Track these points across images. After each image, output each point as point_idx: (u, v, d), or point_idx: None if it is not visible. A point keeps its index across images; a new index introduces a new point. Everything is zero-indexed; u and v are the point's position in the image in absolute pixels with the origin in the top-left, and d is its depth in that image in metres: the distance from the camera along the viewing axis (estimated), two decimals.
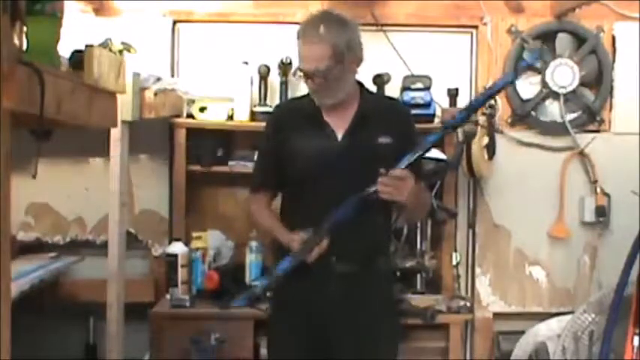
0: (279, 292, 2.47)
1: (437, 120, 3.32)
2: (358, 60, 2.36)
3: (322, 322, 2.31)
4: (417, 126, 3.15)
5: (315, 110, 2.36)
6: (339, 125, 2.35)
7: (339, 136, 2.35)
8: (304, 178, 2.36)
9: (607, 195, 3.45)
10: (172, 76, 3.33)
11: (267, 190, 2.47)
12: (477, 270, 3.47)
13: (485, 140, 3.26)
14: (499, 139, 3.34)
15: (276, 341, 2.46)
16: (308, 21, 2.30)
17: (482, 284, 3.48)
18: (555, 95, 3.44)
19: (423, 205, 2.53)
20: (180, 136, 3.25)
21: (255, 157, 2.62)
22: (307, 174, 2.35)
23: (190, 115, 3.27)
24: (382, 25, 3.40)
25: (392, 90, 3.32)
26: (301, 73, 2.36)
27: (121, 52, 2.56)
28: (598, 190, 3.45)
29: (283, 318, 2.41)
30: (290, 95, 3.28)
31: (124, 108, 2.59)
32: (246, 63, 3.29)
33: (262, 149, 2.54)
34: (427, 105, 3.28)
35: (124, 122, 2.64)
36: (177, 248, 3.11)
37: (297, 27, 2.31)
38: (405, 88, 3.28)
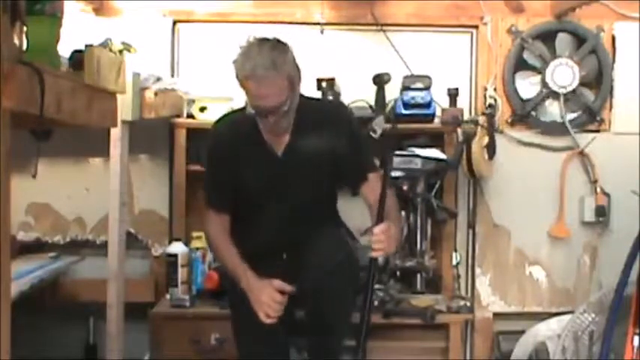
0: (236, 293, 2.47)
1: (437, 120, 3.32)
2: (301, 78, 2.30)
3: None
4: (417, 126, 3.24)
5: (253, 129, 2.34)
6: (279, 141, 2.34)
7: (279, 153, 2.34)
8: (252, 199, 2.37)
9: (607, 195, 3.45)
10: (172, 76, 3.33)
11: (226, 210, 2.46)
12: (477, 270, 3.47)
13: (486, 140, 3.26)
14: (499, 139, 3.33)
15: (241, 331, 2.48)
16: (250, 56, 2.19)
17: (482, 284, 3.48)
18: (555, 95, 3.43)
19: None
20: (181, 136, 3.25)
21: (205, 174, 2.57)
22: (254, 194, 2.36)
23: (190, 115, 3.27)
24: (382, 25, 3.39)
25: (392, 90, 3.32)
26: (253, 111, 2.27)
27: (121, 52, 2.56)
28: (598, 190, 3.44)
29: (243, 314, 2.41)
30: None
31: (124, 108, 2.59)
32: None
33: (211, 171, 2.50)
34: (427, 105, 3.27)
35: (124, 122, 2.64)
36: (177, 248, 3.10)
37: (237, 64, 2.21)
38: (405, 88, 3.28)
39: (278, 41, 2.25)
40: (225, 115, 2.60)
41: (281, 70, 2.18)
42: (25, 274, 2.79)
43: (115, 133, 2.65)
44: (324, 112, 2.46)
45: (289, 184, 2.35)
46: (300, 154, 2.33)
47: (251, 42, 2.24)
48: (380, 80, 3.30)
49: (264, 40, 2.25)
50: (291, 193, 2.35)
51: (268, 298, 2.27)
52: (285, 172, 2.35)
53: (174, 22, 3.39)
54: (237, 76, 2.24)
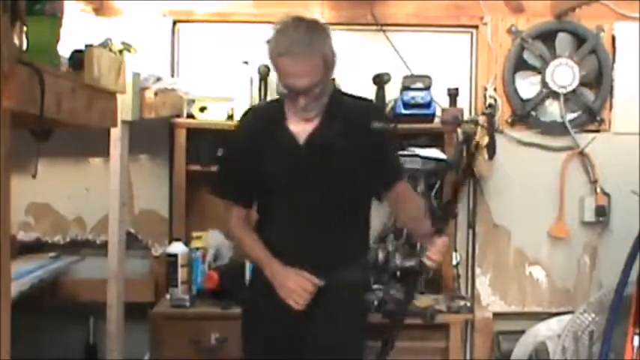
0: (252, 303, 2.46)
1: (437, 120, 3.32)
2: (336, 62, 2.26)
3: (292, 332, 2.29)
4: (417, 126, 3.23)
5: (278, 115, 2.29)
6: (304, 129, 2.28)
7: (301, 141, 2.28)
8: (273, 188, 2.32)
9: (607, 195, 3.45)
10: (172, 76, 3.33)
11: (244, 202, 2.41)
12: (477, 270, 3.48)
13: (486, 140, 3.26)
14: (499, 139, 3.33)
15: (251, 350, 2.46)
16: (287, 34, 2.14)
17: (483, 284, 3.48)
18: (555, 95, 3.44)
19: None
20: (181, 136, 3.25)
21: (222, 166, 2.54)
22: (275, 183, 2.30)
23: (190, 115, 3.27)
24: (382, 25, 3.40)
25: (392, 90, 3.32)
26: (285, 91, 2.21)
27: (121, 52, 2.57)
28: (598, 190, 3.45)
29: (256, 329, 2.40)
30: None
31: (124, 108, 2.59)
32: (246, 63, 3.29)
33: (232, 161, 2.44)
34: (427, 105, 3.28)
35: (124, 122, 2.64)
36: (177, 248, 3.10)
37: (272, 42, 2.15)
38: (405, 88, 3.28)
39: (315, 22, 2.21)
40: (251, 108, 2.57)
41: (317, 49, 2.14)
42: (25, 274, 2.79)
43: (115, 133, 2.65)
44: (359, 110, 2.36)
45: (309, 174, 2.27)
46: (322, 144, 2.25)
47: (287, 21, 2.19)
48: (380, 80, 3.30)
49: (301, 19, 2.20)
50: (310, 185, 2.26)
51: (295, 284, 2.22)
52: (304, 161, 2.27)
53: (174, 22, 3.40)
54: (270, 55, 2.18)
